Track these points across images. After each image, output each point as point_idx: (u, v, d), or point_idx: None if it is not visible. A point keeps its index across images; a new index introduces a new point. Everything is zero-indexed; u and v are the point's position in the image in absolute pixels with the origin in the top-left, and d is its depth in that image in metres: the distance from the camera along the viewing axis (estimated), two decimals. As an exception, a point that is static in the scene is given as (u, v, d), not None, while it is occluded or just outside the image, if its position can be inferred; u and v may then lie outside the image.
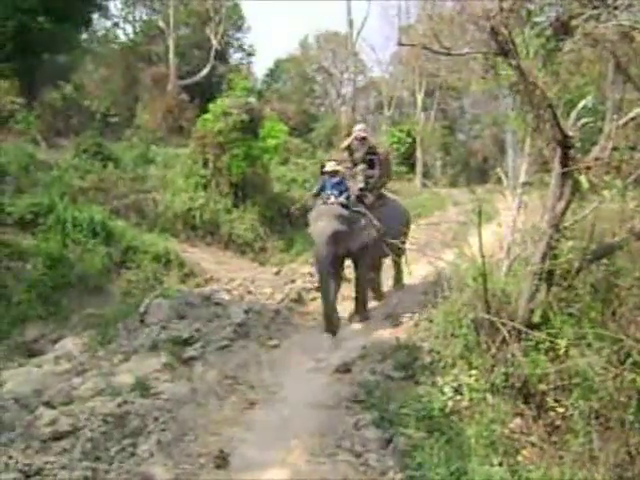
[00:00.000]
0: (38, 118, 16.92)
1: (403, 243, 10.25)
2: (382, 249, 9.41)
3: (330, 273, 9.08)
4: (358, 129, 10.72)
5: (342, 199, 9.34)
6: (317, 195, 9.78)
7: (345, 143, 10.83)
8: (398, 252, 10.38)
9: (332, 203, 9.29)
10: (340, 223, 9.08)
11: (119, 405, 6.56)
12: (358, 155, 10.40)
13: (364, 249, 9.57)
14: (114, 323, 9.18)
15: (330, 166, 9.73)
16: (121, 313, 9.54)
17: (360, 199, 9.89)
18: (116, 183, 14.05)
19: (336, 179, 9.61)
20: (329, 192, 9.49)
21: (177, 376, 7.61)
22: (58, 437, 5.89)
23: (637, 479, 5.76)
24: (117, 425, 6.18)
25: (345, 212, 9.24)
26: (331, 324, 9.01)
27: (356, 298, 10.03)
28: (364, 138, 10.49)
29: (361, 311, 9.97)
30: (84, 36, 23.89)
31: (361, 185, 9.99)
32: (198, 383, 7.44)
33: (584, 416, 6.05)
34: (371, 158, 10.38)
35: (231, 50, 36.37)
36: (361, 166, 10.23)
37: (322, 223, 9.06)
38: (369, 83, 40.17)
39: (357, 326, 9.80)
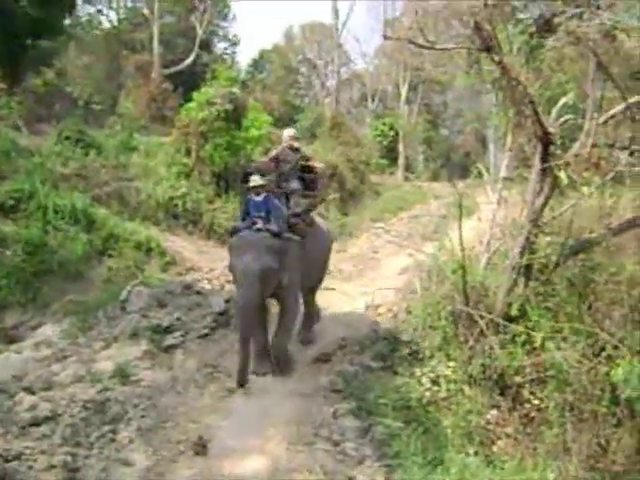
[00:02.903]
0: (20, 104, 16.77)
1: (321, 279, 9.05)
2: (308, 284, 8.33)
3: (254, 322, 7.15)
4: (288, 135, 8.52)
5: (272, 225, 7.23)
6: (244, 219, 7.54)
7: (273, 153, 8.49)
8: (315, 288, 8.98)
9: (258, 229, 7.17)
10: (271, 258, 7.00)
11: (99, 392, 6.61)
12: (287, 168, 8.15)
13: (293, 288, 7.68)
14: (95, 310, 9.16)
15: (254, 181, 7.45)
16: (102, 301, 9.51)
17: (292, 227, 7.65)
18: (98, 170, 13.92)
19: (261, 197, 7.43)
20: (255, 215, 7.36)
21: (157, 364, 7.64)
22: (38, 423, 5.91)
23: (609, 470, 5.91)
24: (97, 411, 6.23)
25: (276, 242, 7.12)
26: (244, 379, 6.93)
27: (273, 347, 7.64)
28: (296, 147, 8.41)
29: (280, 364, 7.60)
30: (67, 22, 23.65)
31: (297, 209, 7.87)
32: (178, 371, 7.49)
33: (558, 408, 6.21)
34: (308, 176, 8.32)
35: (216, 39, 36.23)
36: (295, 185, 8.12)
37: (248, 258, 6.94)
38: (353, 75, 40.16)
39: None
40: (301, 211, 7.88)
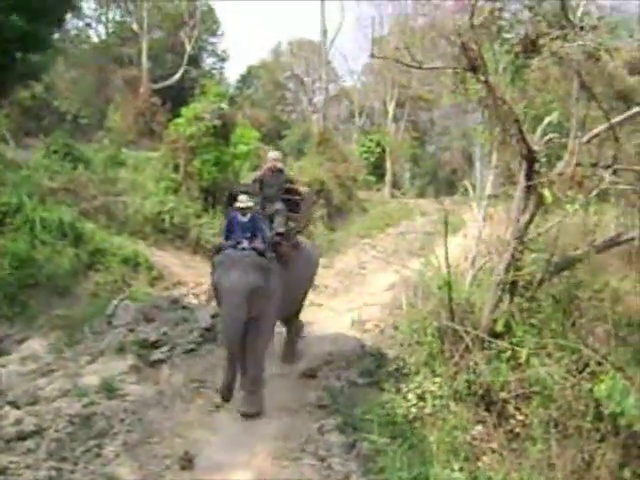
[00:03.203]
0: (7, 117, 16.77)
1: (303, 299, 8.89)
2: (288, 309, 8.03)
3: (242, 340, 6.78)
4: (273, 158, 8.41)
5: (258, 244, 7.11)
6: (227, 237, 7.35)
7: (258, 174, 8.41)
8: (299, 311, 8.84)
9: (243, 249, 6.99)
10: (258, 275, 6.81)
11: (85, 406, 6.60)
12: (271, 191, 8.05)
13: (271, 313, 7.32)
14: (81, 325, 9.16)
15: (243, 202, 7.30)
16: (88, 315, 9.51)
17: (275, 246, 7.51)
18: (86, 185, 13.92)
19: (247, 218, 7.29)
20: (239, 234, 7.21)
21: (143, 378, 7.65)
22: (23, 437, 5.91)
23: (593, 485, 5.95)
24: (83, 426, 6.22)
25: (262, 261, 6.95)
26: (229, 394, 6.73)
27: (245, 373, 7.08)
28: (280, 170, 8.30)
29: (253, 400, 7.00)
30: (56, 35, 23.66)
31: (280, 230, 7.69)
32: (164, 386, 7.51)
33: (543, 424, 6.24)
34: (293, 198, 8.19)
35: (204, 55, 36.37)
36: (279, 205, 7.91)
37: (234, 275, 6.73)
38: (341, 92, 40.35)
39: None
40: (284, 231, 7.73)
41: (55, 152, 14.89)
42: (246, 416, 6.79)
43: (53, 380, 7.32)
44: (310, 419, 6.81)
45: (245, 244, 7.04)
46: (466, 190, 9.43)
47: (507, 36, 7.37)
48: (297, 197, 8.25)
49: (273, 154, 8.61)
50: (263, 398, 7.07)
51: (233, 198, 7.64)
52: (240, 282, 6.68)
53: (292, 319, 8.69)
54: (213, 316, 9.41)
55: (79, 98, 26.66)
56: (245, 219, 7.29)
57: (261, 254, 6.96)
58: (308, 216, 8.63)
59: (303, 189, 8.74)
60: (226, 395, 6.74)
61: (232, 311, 6.68)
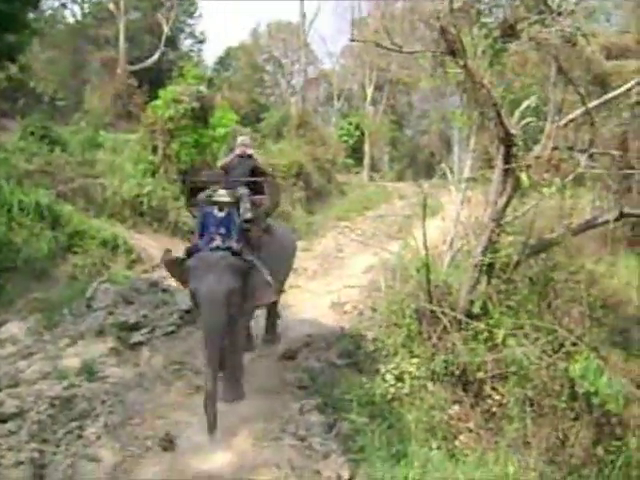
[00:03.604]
0: (-18, 99, 16.60)
1: (284, 282, 8.41)
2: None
3: (223, 349, 6.41)
4: (242, 142, 8.01)
5: (233, 243, 6.60)
6: (201, 235, 6.83)
7: (226, 160, 8.03)
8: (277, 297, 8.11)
9: (217, 247, 6.53)
10: (233, 278, 6.36)
11: (66, 388, 6.60)
12: (237, 173, 7.63)
13: (249, 308, 6.99)
14: (60, 307, 9.12)
15: (222, 196, 6.91)
16: (67, 298, 9.47)
17: (244, 234, 6.99)
18: (63, 167, 13.79)
19: (223, 213, 6.80)
20: (213, 231, 6.70)
21: (124, 361, 7.64)
22: (4, 419, 5.90)
23: (568, 462, 6.10)
24: (64, 408, 6.23)
25: (237, 261, 6.48)
26: (212, 415, 5.93)
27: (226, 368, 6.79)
28: (249, 156, 7.88)
29: (233, 387, 6.88)
30: (31, 16, 23.33)
31: (248, 216, 7.08)
32: (145, 368, 7.50)
33: (519, 403, 6.39)
34: (258, 180, 7.64)
35: (182, 36, 36.06)
36: (243, 191, 7.30)
37: (211, 279, 6.25)
38: (320, 74, 40.28)
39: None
40: (252, 217, 7.10)
41: (32, 134, 14.76)
42: (225, 402, 6.53)
43: (33, 363, 7.30)
44: (290, 400, 6.84)
45: (219, 242, 6.58)
46: (444, 173, 9.51)
47: (486, 20, 7.42)
48: (262, 180, 7.67)
49: (242, 138, 8.20)
50: (242, 386, 6.91)
51: (197, 188, 7.23)
52: (218, 287, 6.22)
53: (272, 310, 8.50)
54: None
55: (55, 79, 26.36)
56: (221, 214, 6.78)
57: (236, 253, 6.50)
58: (275, 198, 7.89)
59: (268, 170, 8.46)
60: (209, 408, 5.93)
61: (211, 317, 6.23)
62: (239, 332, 6.93)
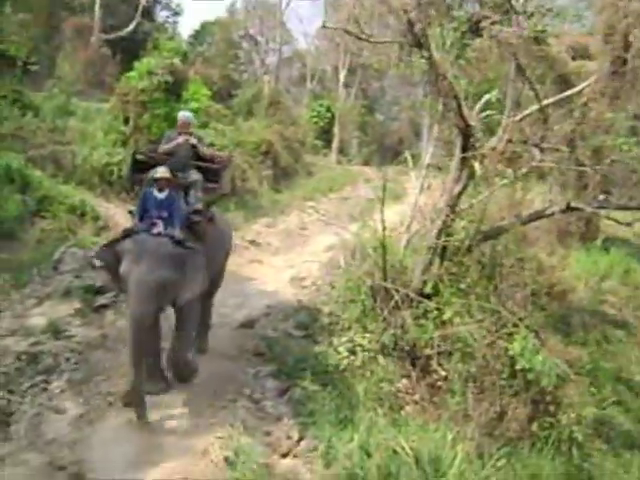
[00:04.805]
0: (-48, 60, 16.40)
1: (220, 281, 7.71)
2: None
3: (148, 339, 5.96)
4: (183, 120, 7.16)
5: (175, 230, 6.08)
6: (142, 218, 6.26)
7: (172, 144, 6.93)
8: (214, 291, 7.62)
9: (158, 234, 5.99)
10: (168, 268, 5.79)
11: (32, 345, 6.84)
12: (182, 155, 6.89)
13: (194, 301, 6.32)
14: (28, 269, 9.26)
15: (161, 172, 6.27)
16: (35, 260, 9.60)
17: (191, 225, 6.53)
18: (34, 132, 13.77)
19: (164, 194, 6.26)
20: (155, 214, 6.19)
21: (88, 322, 7.86)
22: (-28, 370, 6.15)
23: (504, 436, 6.52)
24: (30, 362, 6.50)
25: (177, 251, 5.93)
26: (139, 406, 5.71)
27: (171, 359, 6.43)
28: (191, 133, 7.08)
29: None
30: (3, -23, 23.06)
31: (198, 206, 6.64)
32: (109, 329, 7.73)
33: (462, 379, 6.78)
34: (212, 168, 7.09)
35: (158, 7, 35.77)
36: (196, 176, 6.79)
37: (142, 267, 5.70)
38: (294, 54, 40.21)
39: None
40: (202, 207, 6.70)
41: (4, 97, 14.72)
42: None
43: (1, 320, 7.51)
44: (247, 366, 7.15)
45: (160, 227, 6.07)
46: (406, 160, 9.79)
47: (456, 14, 7.74)
48: (215, 164, 7.17)
49: (184, 115, 7.32)
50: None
51: (140, 165, 6.88)
52: (149, 276, 5.69)
53: (206, 305, 7.45)
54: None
55: (29, 44, 26.04)
56: (162, 195, 6.26)
57: (177, 242, 5.98)
58: (227, 187, 7.48)
59: (222, 154, 8.04)
60: (135, 400, 5.71)
61: (138, 307, 5.71)
62: (189, 323, 6.54)
